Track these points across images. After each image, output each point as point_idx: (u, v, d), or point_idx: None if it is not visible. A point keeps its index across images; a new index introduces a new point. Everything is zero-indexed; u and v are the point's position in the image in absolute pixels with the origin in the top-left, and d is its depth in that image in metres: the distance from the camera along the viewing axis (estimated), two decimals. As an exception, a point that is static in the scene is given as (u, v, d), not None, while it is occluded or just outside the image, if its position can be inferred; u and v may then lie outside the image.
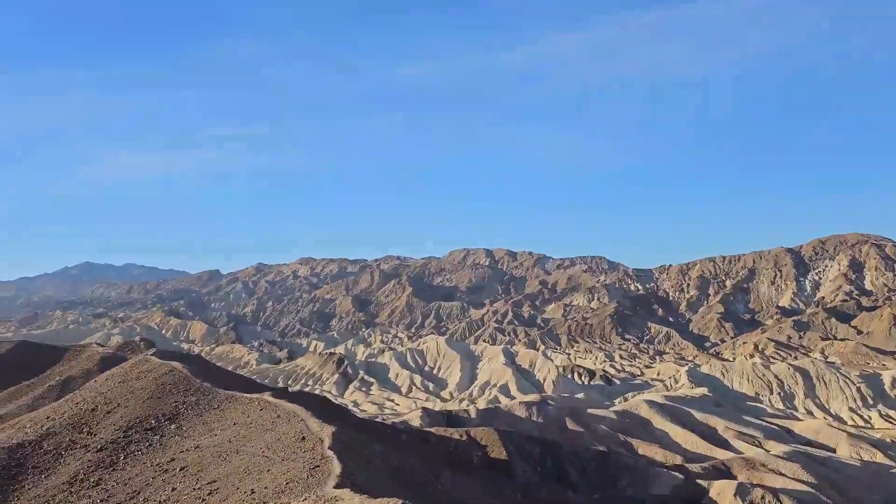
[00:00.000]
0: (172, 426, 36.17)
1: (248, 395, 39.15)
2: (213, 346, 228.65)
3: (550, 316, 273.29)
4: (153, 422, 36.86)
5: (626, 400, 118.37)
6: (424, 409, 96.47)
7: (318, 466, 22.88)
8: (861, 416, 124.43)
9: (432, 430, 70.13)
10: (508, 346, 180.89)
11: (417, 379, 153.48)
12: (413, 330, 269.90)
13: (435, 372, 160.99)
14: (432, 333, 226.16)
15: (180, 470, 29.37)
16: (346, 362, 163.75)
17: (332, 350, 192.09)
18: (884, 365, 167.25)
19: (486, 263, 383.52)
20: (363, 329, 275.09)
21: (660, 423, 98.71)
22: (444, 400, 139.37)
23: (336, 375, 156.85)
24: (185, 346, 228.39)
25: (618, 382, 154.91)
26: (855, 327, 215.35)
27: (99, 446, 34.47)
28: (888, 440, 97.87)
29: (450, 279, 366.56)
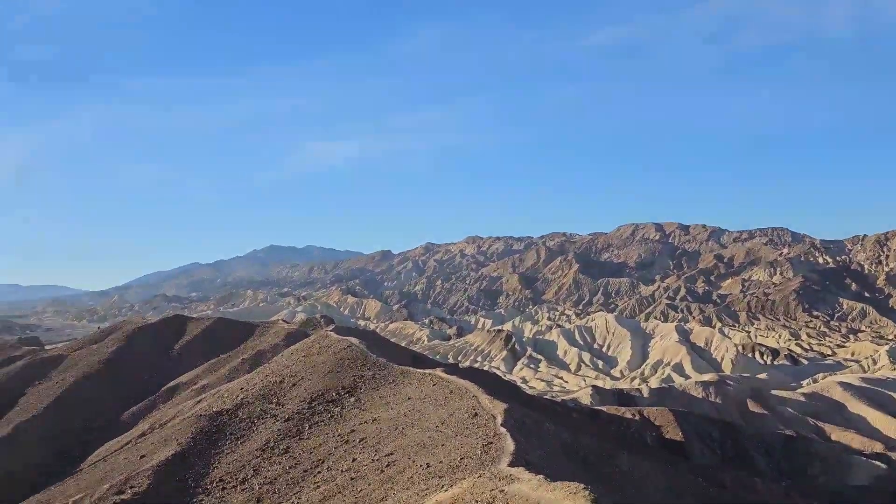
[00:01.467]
0: (351, 399, 37.98)
1: (421, 371, 40.25)
2: (386, 322, 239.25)
3: (727, 291, 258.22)
4: (334, 394, 38.92)
5: (815, 381, 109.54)
6: (594, 388, 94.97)
7: (491, 443, 22.91)
8: None
9: (603, 408, 68.81)
10: (682, 324, 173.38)
11: (586, 356, 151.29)
12: (580, 307, 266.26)
13: (604, 349, 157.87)
14: (600, 310, 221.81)
15: (360, 441, 30.72)
16: (513, 339, 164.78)
17: (499, 327, 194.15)
18: None
19: (657, 238, 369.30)
20: (530, 306, 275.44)
21: (856, 406, 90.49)
22: (614, 378, 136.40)
23: (504, 352, 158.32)
24: (360, 322, 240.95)
25: (805, 362, 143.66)
26: None
27: (286, 416, 36.94)
28: None
29: (618, 255, 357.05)
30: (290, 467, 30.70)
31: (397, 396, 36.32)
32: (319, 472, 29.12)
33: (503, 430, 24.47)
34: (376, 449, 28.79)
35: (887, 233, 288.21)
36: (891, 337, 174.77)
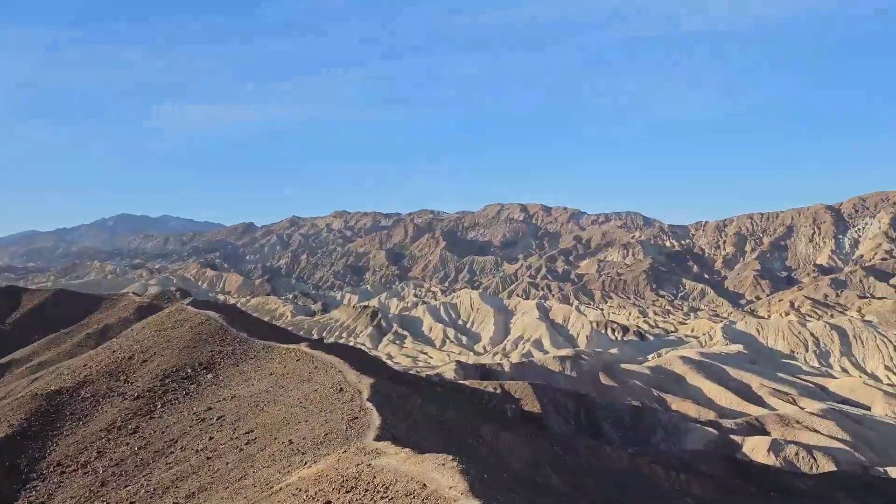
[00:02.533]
0: (209, 375, 36.19)
1: (285, 346, 39.01)
2: (248, 297, 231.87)
3: (584, 271, 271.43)
4: (190, 371, 36.92)
5: (659, 356, 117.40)
6: (458, 363, 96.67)
7: (357, 418, 22.45)
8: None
9: (466, 382, 70.13)
10: (542, 301, 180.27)
11: (451, 332, 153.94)
12: (446, 284, 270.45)
13: (468, 326, 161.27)
14: (465, 288, 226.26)
15: (217, 419, 29.29)
16: (379, 315, 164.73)
17: (365, 303, 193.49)
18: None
19: (521, 218, 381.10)
20: (396, 283, 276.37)
21: (694, 379, 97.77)
22: (477, 354, 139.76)
23: (370, 328, 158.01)
24: (220, 297, 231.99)
25: (651, 338, 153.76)
26: (894, 286, 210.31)
27: (136, 394, 34.64)
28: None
29: (483, 234, 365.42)
30: (139, 448, 28.79)
31: (259, 372, 34.99)
32: (172, 453, 27.51)
33: (369, 404, 24.07)
34: (235, 427, 27.54)
35: (725, 220, 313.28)
36: (725, 315, 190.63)
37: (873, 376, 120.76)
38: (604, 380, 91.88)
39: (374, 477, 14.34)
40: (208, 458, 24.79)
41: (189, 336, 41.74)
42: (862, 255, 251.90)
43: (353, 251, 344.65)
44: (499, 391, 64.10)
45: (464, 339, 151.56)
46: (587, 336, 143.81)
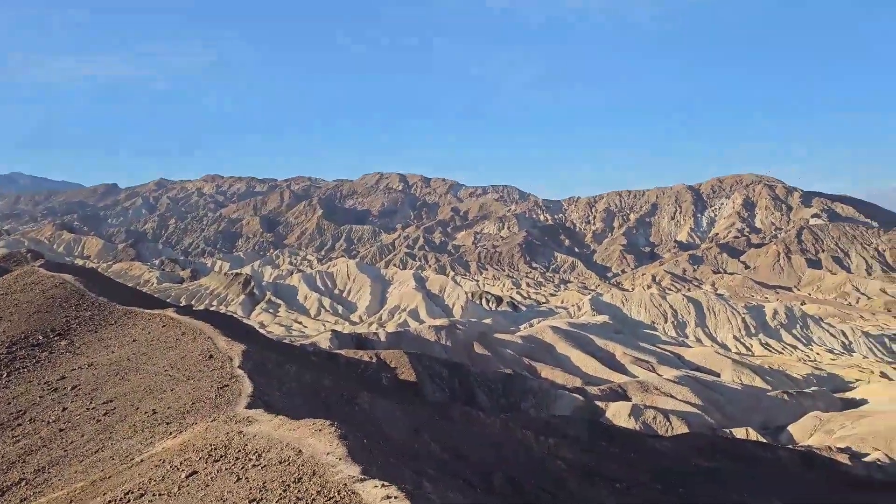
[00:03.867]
0: (63, 342, 33.53)
1: (150, 311, 36.74)
2: (110, 263, 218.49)
3: (461, 243, 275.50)
4: (41, 337, 34.05)
5: (531, 326, 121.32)
6: (334, 332, 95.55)
7: (228, 386, 21.39)
8: (744, 345, 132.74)
9: (342, 352, 69.40)
10: (419, 272, 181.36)
11: (326, 302, 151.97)
12: (323, 252, 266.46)
13: (344, 295, 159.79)
14: (342, 256, 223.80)
15: (72, 389, 27.17)
16: (252, 283, 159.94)
17: (238, 270, 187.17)
18: (766, 298, 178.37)
19: (400, 188, 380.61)
20: (271, 250, 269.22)
21: (563, 348, 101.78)
22: (353, 323, 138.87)
23: (242, 296, 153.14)
24: (79, 261, 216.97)
25: (524, 309, 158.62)
26: (744, 262, 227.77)
27: (-21, 363, 31.53)
28: (766, 366, 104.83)
29: (362, 202, 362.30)
30: (-20, 421, 26.20)
31: (120, 339, 32.77)
32: (20, 425, 25.24)
33: (240, 371, 23.01)
34: (92, 397, 25.63)
35: (596, 196, 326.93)
36: (593, 287, 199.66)
37: (723, 345, 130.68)
38: (478, 349, 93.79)
39: (246, 444, 13.60)
40: (61, 430, 22.92)
41: (40, 300, 38.48)
42: (717, 234, 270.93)
43: (226, 217, 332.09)
44: (375, 360, 63.88)
45: (340, 308, 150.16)
46: (462, 306, 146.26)
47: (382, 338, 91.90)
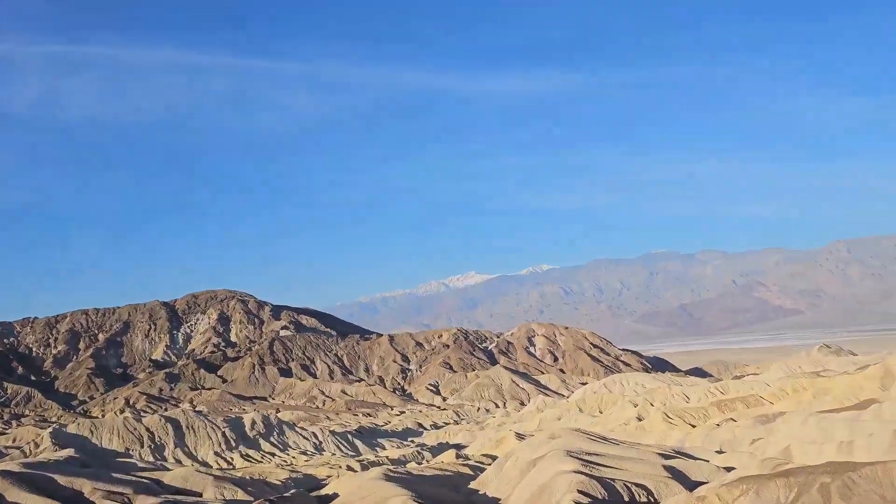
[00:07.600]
0: None
1: None
2: None
3: None
4: None
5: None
6: None
7: None
8: (225, 459, 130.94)
9: None
10: None
11: None
12: None
13: None
14: None
15: None
16: None
17: None
18: (244, 409, 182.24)
19: None
20: None
21: (16, 495, 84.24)
22: None
23: None
24: None
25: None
26: (221, 376, 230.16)
27: None
28: (248, 477, 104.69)
29: None
30: None
31: None
32: None
33: None
34: None
35: (57, 316, 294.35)
36: (54, 419, 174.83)
37: (204, 463, 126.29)
38: None
39: None
40: None
41: None
42: (194, 349, 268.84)
43: None
44: None
45: None
46: None
47: None
